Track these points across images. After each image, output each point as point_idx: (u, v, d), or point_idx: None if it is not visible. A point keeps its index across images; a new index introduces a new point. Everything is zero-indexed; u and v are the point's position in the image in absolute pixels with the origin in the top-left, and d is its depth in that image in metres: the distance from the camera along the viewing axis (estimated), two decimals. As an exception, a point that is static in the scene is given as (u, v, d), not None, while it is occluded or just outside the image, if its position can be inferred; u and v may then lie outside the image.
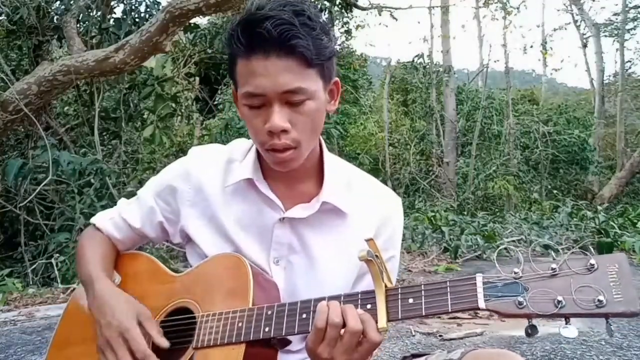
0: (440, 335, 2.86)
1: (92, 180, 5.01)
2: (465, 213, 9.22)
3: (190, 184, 1.07)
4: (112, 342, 0.94)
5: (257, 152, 1.04)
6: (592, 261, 0.71)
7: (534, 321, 0.73)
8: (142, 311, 0.98)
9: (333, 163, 1.07)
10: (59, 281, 4.43)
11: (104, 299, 0.99)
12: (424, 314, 0.78)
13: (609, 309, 0.68)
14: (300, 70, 0.89)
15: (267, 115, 0.91)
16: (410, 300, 0.80)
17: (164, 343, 0.95)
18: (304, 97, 0.90)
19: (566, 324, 0.71)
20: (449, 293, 0.78)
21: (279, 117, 0.89)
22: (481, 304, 0.74)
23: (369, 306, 0.83)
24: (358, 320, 0.81)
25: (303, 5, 0.91)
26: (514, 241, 6.27)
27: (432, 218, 7.50)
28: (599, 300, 0.68)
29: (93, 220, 1.16)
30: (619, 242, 6.06)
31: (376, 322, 0.81)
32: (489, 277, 0.76)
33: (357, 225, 1.03)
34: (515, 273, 0.74)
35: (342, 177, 1.06)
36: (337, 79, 1.00)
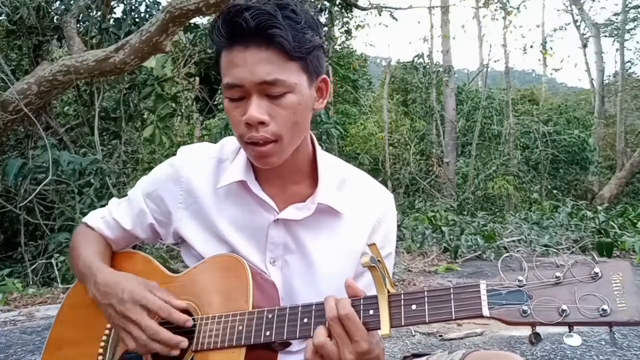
0: (440, 336, 2.86)
1: (92, 180, 5.00)
2: (465, 213, 9.21)
3: (181, 185, 1.06)
4: (130, 314, 0.93)
5: None
6: (597, 269, 0.71)
7: (538, 330, 0.72)
8: (149, 283, 0.98)
9: (326, 162, 1.06)
10: (59, 281, 4.43)
11: (109, 281, 0.98)
12: (427, 321, 0.78)
13: (613, 318, 0.68)
14: (280, 62, 0.88)
15: (246, 107, 0.90)
16: (414, 307, 0.79)
17: (181, 304, 0.95)
18: (284, 90, 0.89)
19: (570, 332, 0.71)
20: (452, 300, 0.77)
21: (256, 109, 0.88)
22: (485, 312, 0.74)
23: (371, 312, 0.82)
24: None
25: (290, 1, 0.90)
26: (514, 241, 6.27)
27: (432, 218, 7.50)
28: (603, 309, 0.68)
29: (85, 219, 1.15)
30: (619, 242, 6.04)
31: (379, 329, 0.81)
32: (493, 285, 0.76)
33: (351, 224, 1.03)
34: (519, 281, 0.74)
35: (335, 176, 1.05)
36: (325, 76, 0.98)
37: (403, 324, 0.79)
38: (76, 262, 1.08)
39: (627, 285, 0.69)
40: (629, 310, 0.67)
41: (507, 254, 5.41)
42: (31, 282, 4.69)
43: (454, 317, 0.76)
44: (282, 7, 0.88)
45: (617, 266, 0.71)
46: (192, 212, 1.05)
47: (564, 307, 0.70)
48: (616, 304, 0.68)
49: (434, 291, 0.79)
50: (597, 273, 0.71)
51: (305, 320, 0.86)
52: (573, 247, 6.01)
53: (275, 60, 0.87)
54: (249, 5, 0.87)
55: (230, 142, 1.08)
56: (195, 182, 1.05)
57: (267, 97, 0.89)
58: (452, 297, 0.77)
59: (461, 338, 2.82)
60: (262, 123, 0.90)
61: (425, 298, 0.79)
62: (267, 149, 0.92)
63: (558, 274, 0.72)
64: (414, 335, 2.88)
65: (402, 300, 0.80)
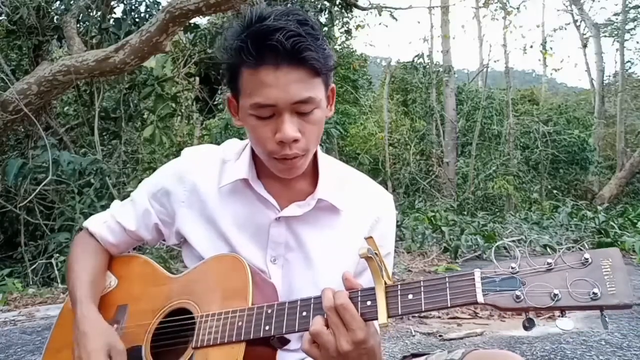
0: (440, 335, 2.86)
1: (92, 180, 5.02)
2: (465, 213, 9.23)
3: (185, 185, 1.07)
4: None
5: (252, 152, 1.04)
6: (587, 255, 0.73)
7: (531, 315, 0.74)
8: (114, 344, 0.98)
9: (326, 162, 1.08)
10: (59, 281, 4.44)
11: (81, 327, 0.99)
12: (423, 309, 0.79)
13: (604, 302, 0.69)
14: (309, 80, 0.90)
15: (277, 125, 0.91)
16: (410, 296, 0.81)
17: None
18: (313, 107, 0.92)
19: (562, 316, 0.72)
20: (447, 288, 0.78)
21: (290, 128, 0.91)
22: (480, 298, 0.75)
23: (369, 303, 0.83)
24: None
25: (304, 14, 0.92)
26: (514, 241, 6.27)
27: (432, 218, 7.49)
28: (593, 292, 0.70)
29: (86, 224, 1.16)
30: (619, 242, 6.05)
31: (377, 319, 0.82)
32: (487, 272, 0.77)
33: (350, 222, 1.05)
34: (512, 268, 0.76)
35: (335, 176, 1.07)
36: (333, 85, 1.02)
37: (400, 313, 0.81)
38: (68, 282, 1.09)
39: (616, 270, 0.71)
40: (618, 294, 0.69)
41: (500, 242, 5.43)
42: (31, 282, 4.70)
43: (449, 305, 0.77)
44: (302, 23, 0.89)
45: (606, 252, 0.73)
46: (194, 211, 1.06)
47: (556, 291, 0.71)
48: (606, 287, 0.69)
49: (429, 280, 0.81)
50: (587, 259, 0.72)
51: (304, 313, 0.87)
52: (573, 247, 6.01)
53: (305, 79, 0.90)
54: (277, 26, 0.87)
55: (232, 144, 1.10)
56: (199, 182, 1.06)
57: (297, 114, 0.92)
58: (447, 285, 0.79)
59: (461, 338, 2.82)
60: (296, 140, 0.92)
61: (422, 287, 0.80)
62: (295, 162, 0.96)
63: (550, 260, 0.74)
64: (414, 335, 2.88)
65: (399, 291, 0.82)
